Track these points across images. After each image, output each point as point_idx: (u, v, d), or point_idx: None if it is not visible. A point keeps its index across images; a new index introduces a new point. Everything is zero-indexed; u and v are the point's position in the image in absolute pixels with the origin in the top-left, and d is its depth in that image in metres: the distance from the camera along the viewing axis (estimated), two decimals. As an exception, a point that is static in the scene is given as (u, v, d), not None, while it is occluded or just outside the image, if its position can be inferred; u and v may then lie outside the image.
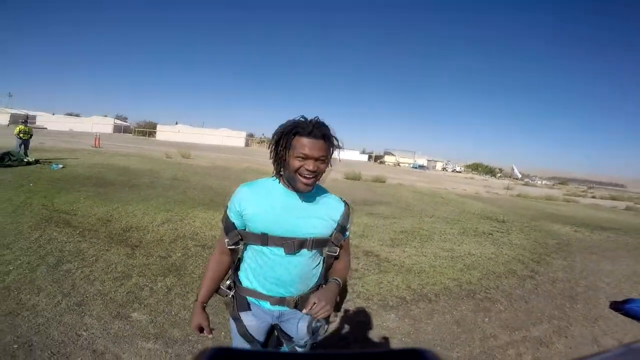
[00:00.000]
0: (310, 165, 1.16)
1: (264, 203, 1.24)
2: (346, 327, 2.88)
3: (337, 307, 1.33)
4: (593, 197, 31.50)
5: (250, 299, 1.32)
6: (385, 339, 2.76)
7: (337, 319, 2.95)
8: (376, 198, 10.85)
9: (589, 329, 3.31)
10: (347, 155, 78.51)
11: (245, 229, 1.28)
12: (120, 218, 5.13)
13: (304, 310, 1.15)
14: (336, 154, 1.27)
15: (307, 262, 1.28)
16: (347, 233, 1.37)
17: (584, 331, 3.26)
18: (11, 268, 3.18)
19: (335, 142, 1.24)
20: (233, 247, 1.30)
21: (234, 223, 1.28)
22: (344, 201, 1.36)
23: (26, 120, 11.68)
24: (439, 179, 30.45)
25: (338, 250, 1.33)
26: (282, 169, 1.25)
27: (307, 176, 1.18)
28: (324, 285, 1.33)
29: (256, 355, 0.35)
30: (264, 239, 1.23)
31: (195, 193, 7.94)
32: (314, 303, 1.15)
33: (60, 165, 9.97)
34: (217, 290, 1.38)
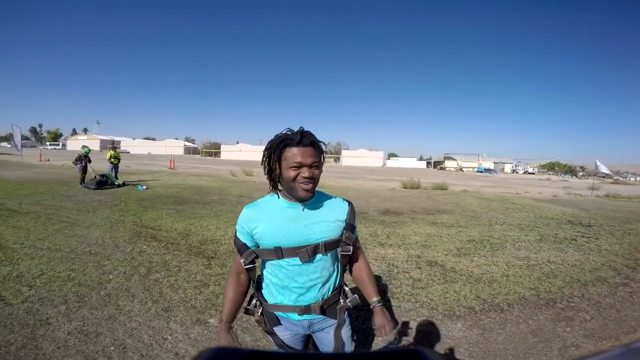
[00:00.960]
0: (305, 172, 1.21)
1: (270, 219, 1.28)
2: (408, 336, 2.84)
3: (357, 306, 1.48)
4: None
5: (277, 313, 1.36)
6: (451, 349, 2.66)
7: (399, 328, 2.93)
8: (438, 206, 10.42)
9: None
10: (403, 162, 76.72)
11: (258, 247, 1.32)
12: (197, 232, 5.65)
13: (380, 338, 1.26)
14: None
15: (325, 266, 1.33)
16: (356, 231, 1.42)
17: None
18: (111, 277, 3.67)
19: (322, 148, 1.29)
20: (250, 265, 1.33)
21: (245, 243, 1.32)
22: (346, 200, 1.42)
23: (114, 146, 13.17)
24: (508, 183, 28.19)
25: (351, 249, 1.37)
26: (279, 183, 1.30)
27: (306, 183, 1.22)
28: (376, 307, 1.41)
29: (256, 355, 0.35)
30: (279, 253, 1.27)
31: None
32: (383, 329, 1.34)
33: (145, 187, 11.27)
34: (245, 310, 1.42)
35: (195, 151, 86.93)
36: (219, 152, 70.14)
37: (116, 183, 11.27)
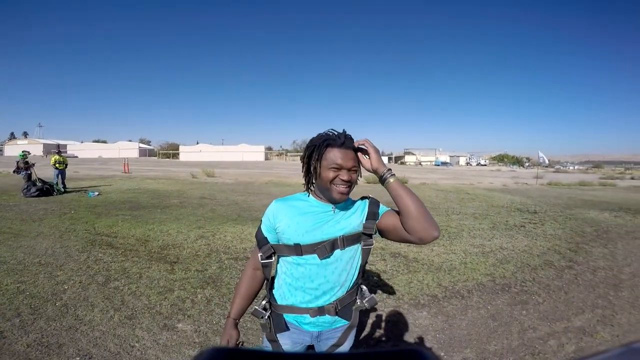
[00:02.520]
0: (344, 175, 1.19)
1: (296, 215, 1.25)
2: (378, 328, 2.93)
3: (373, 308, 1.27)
4: (632, 178, 29.80)
5: (288, 317, 1.30)
6: (419, 337, 2.79)
7: (369, 319, 3.02)
8: (400, 199, 10.77)
9: (637, 316, 3.19)
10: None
11: (278, 242, 1.28)
12: (157, 237, 5.41)
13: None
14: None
15: (344, 265, 1.26)
16: (383, 208, 1.31)
17: (632, 319, 3.15)
18: (66, 287, 3.45)
19: (363, 154, 1.27)
20: (266, 261, 1.30)
21: (266, 237, 1.29)
22: (368, 197, 1.37)
23: (59, 150, 12.19)
24: (463, 175, 29.78)
25: (373, 242, 1.32)
26: (313, 183, 1.28)
27: (343, 186, 1.20)
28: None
29: (256, 355, 0.35)
30: (298, 249, 1.23)
31: (223, 209, 8.21)
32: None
33: (96, 193, 10.57)
34: (252, 311, 1.36)
35: (151, 153, 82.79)
36: (178, 154, 67.37)
37: (58, 189, 10.46)
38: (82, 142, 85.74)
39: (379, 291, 3.57)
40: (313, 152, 1.23)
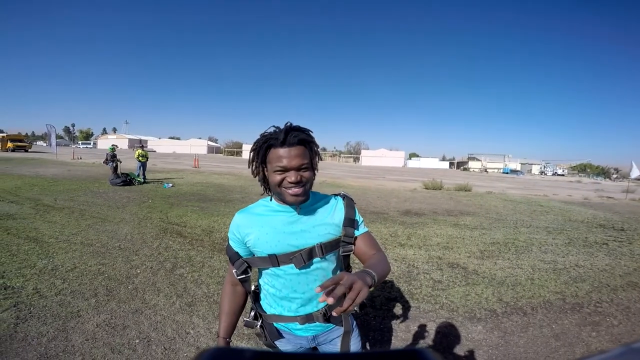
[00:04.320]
0: (292, 176, 1.07)
1: (263, 225, 1.17)
2: (426, 338, 2.83)
3: (362, 305, 1.18)
4: None
5: (278, 325, 1.25)
6: (470, 351, 2.63)
7: (417, 329, 2.91)
8: (461, 208, 10.21)
9: None
10: (425, 163, 75.37)
11: (252, 256, 1.21)
12: (220, 229, 5.80)
13: (324, 285, 0.83)
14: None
15: (326, 273, 1.19)
16: (362, 226, 1.25)
17: None
18: (139, 271, 3.83)
19: (314, 145, 1.14)
20: (242, 276, 1.23)
21: (237, 252, 1.22)
22: (341, 195, 1.28)
23: (142, 145, 13.70)
24: (536, 185, 27.19)
25: (353, 248, 1.21)
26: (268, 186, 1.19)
27: (293, 187, 1.09)
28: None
29: (256, 355, 0.35)
30: (274, 260, 1.16)
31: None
32: (344, 279, 0.83)
33: (171, 184, 11.68)
34: (244, 323, 1.32)
35: (218, 150, 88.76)
36: (241, 152, 71.35)
37: (139, 180, 11.72)
38: (159, 138, 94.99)
39: (432, 301, 3.43)
40: (256, 156, 1.14)
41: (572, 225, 8.11)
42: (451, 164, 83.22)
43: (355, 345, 1.28)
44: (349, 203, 1.25)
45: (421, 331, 2.89)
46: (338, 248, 1.20)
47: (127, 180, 11.12)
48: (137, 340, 2.54)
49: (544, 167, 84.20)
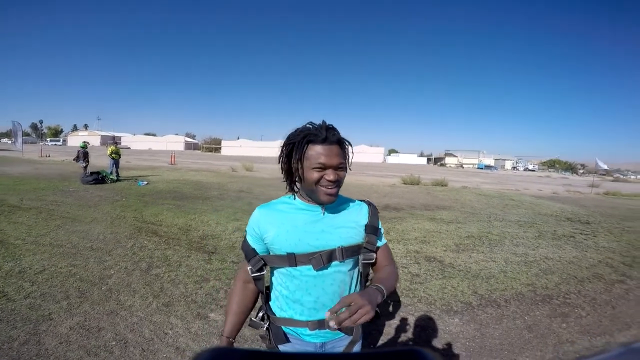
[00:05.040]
0: (330, 175, 1.06)
1: (284, 222, 1.13)
2: (406, 331, 2.88)
3: (375, 317, 0.97)
4: None
5: (286, 329, 1.19)
6: (448, 344, 2.70)
7: (397, 323, 2.97)
8: (438, 203, 10.46)
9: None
10: (404, 159, 76.70)
11: (268, 253, 1.17)
12: (197, 227, 5.69)
13: (333, 309, 0.87)
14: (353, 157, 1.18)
15: (343, 277, 1.15)
16: (382, 237, 1.24)
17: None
18: (112, 272, 3.70)
19: (349, 147, 1.15)
20: (257, 274, 1.18)
21: (254, 249, 1.18)
22: (366, 201, 1.26)
23: (115, 141, 13.22)
24: (508, 180, 28.20)
25: (374, 257, 1.19)
26: (296, 184, 1.15)
27: (330, 187, 1.07)
28: (371, 286, 1.12)
29: (256, 355, 0.35)
30: (292, 260, 1.11)
31: (259, 204, 8.39)
32: (349, 300, 0.87)
33: (145, 182, 11.33)
34: (249, 323, 1.26)
35: (195, 147, 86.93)
36: (220, 148, 70.17)
37: (112, 178, 11.32)
38: (134, 135, 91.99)
39: (410, 294, 3.50)
40: (292, 151, 1.09)
41: (542, 218, 8.46)
42: (429, 160, 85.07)
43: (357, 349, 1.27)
44: (374, 211, 1.23)
45: (401, 325, 2.94)
46: (359, 254, 1.17)
47: (99, 178, 10.70)
48: (114, 342, 2.48)
49: (516, 162, 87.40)
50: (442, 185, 16.23)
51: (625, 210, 11.28)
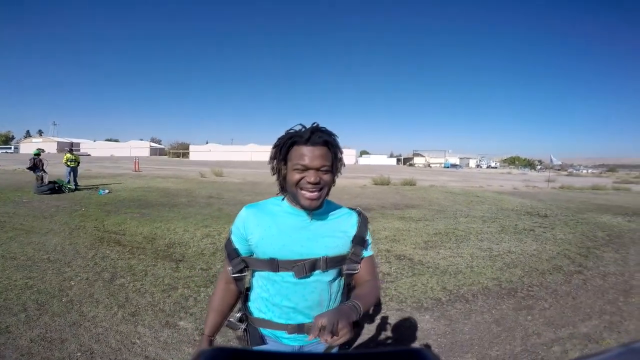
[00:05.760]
0: (311, 176, 1.03)
1: (270, 225, 1.11)
2: (379, 330, 2.91)
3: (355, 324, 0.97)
4: (647, 183, 29.05)
5: (264, 330, 1.17)
6: (420, 340, 2.76)
7: (370, 322, 3.00)
8: (407, 201, 10.72)
9: (646, 324, 3.11)
10: (375, 160, 78.08)
11: (251, 255, 1.15)
12: (164, 235, 5.47)
13: (310, 337, 0.88)
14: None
15: (325, 286, 1.13)
16: (370, 248, 1.21)
17: (640, 325, 3.07)
18: (73, 283, 3.50)
19: (339, 150, 1.11)
20: (238, 275, 1.16)
21: (237, 249, 1.15)
22: (356, 210, 1.23)
23: (72, 148, 12.41)
24: (473, 177, 29.43)
25: (358, 267, 1.16)
26: (286, 185, 1.12)
27: (310, 190, 1.04)
28: (344, 304, 1.07)
29: (256, 355, 0.35)
30: (274, 265, 1.10)
31: (229, 209, 8.25)
32: (321, 326, 0.85)
33: (107, 191, 10.76)
34: (226, 323, 1.24)
35: (162, 152, 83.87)
36: (188, 153, 68.09)
37: (69, 187, 10.67)
38: (94, 141, 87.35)
39: (382, 293, 3.55)
40: (278, 152, 1.10)
41: (504, 213, 8.89)
42: (398, 160, 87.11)
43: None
44: (364, 221, 1.20)
45: (374, 324, 2.97)
46: (343, 264, 1.15)
47: (55, 188, 10.04)
48: (79, 354, 2.39)
49: (480, 160, 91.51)
50: (411, 185, 16.67)
51: (579, 202, 12.09)
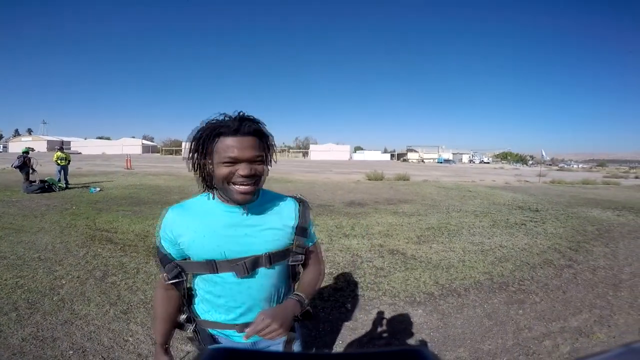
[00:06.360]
0: (244, 169, 0.94)
1: (201, 225, 1.02)
2: (373, 325, 2.92)
3: (306, 315, 1.09)
4: (636, 177, 29.53)
5: (213, 331, 1.13)
6: (413, 335, 2.78)
7: (364, 317, 3.01)
8: (400, 196, 10.76)
9: (635, 317, 3.14)
10: (369, 155, 78.25)
11: (186, 259, 1.06)
12: (156, 233, 5.42)
13: (248, 330, 0.92)
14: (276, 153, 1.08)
15: (270, 282, 1.08)
16: (314, 236, 1.18)
17: (630, 319, 3.10)
18: (64, 282, 3.48)
19: (270, 138, 1.03)
20: (175, 280, 1.06)
21: (169, 254, 1.06)
22: (297, 198, 1.15)
23: (62, 146, 12.18)
24: (466, 172, 29.65)
25: (302, 258, 1.12)
26: (212, 181, 1.02)
27: (243, 183, 0.96)
28: (289, 298, 1.09)
29: (256, 355, 0.35)
30: (212, 267, 1.02)
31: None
32: (261, 321, 0.91)
33: (98, 189, 10.63)
34: (176, 324, 1.18)
35: (154, 150, 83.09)
36: (180, 150, 67.58)
37: (60, 186, 10.52)
38: (85, 139, 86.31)
39: (375, 288, 3.57)
40: (199, 146, 0.98)
41: (496, 208, 8.97)
42: (392, 156, 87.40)
43: (297, 345, 1.22)
44: (305, 209, 1.13)
45: (367, 319, 2.98)
46: (287, 258, 1.09)
47: (45, 186, 9.88)
48: (71, 352, 2.38)
49: (473, 156, 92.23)
50: (404, 180, 16.75)
51: (569, 197, 12.23)
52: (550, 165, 56.30)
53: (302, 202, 1.14)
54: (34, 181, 10.02)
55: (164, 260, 1.06)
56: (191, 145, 1.00)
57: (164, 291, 1.13)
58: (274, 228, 1.06)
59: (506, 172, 33.52)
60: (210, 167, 0.98)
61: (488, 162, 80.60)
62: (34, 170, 10.71)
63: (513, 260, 4.61)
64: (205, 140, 0.96)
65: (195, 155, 0.99)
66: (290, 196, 1.16)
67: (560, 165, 69.63)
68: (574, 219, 7.71)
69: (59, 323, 2.73)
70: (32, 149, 11.99)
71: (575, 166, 70.30)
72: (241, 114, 0.98)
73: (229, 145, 0.94)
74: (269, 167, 1.04)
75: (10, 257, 4.16)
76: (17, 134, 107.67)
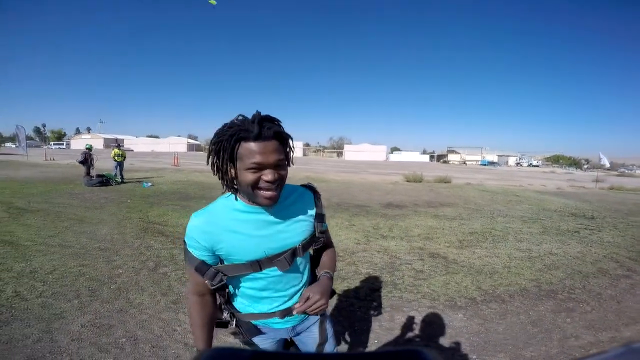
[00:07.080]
0: (269, 175, 0.95)
1: (233, 230, 1.04)
2: (411, 327, 2.91)
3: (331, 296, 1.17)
4: None
5: (255, 321, 1.19)
6: (452, 338, 2.73)
7: (402, 319, 3.00)
8: (441, 199, 10.46)
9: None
10: (406, 156, 76.56)
11: (224, 263, 1.08)
12: (202, 227, 5.73)
13: (297, 306, 1.05)
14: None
15: (304, 267, 1.19)
16: (325, 222, 1.24)
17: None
18: (121, 271, 3.77)
19: (290, 140, 1.03)
20: (219, 284, 1.08)
21: (204, 261, 1.06)
22: (308, 187, 1.21)
23: (118, 144, 13.23)
24: (512, 176, 28.08)
25: (323, 241, 1.23)
26: (234, 184, 1.03)
27: (270, 189, 0.97)
28: (322, 276, 1.20)
29: (256, 355, 0.35)
30: (256, 266, 1.07)
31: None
32: (308, 298, 1.04)
33: (150, 184, 11.42)
34: (216, 323, 1.22)
35: (198, 148, 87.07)
36: (222, 149, 70.13)
37: (116, 180, 11.42)
38: (137, 137, 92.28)
39: (415, 290, 3.53)
40: (221, 152, 0.97)
41: (546, 214, 8.45)
42: (431, 157, 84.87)
43: (330, 330, 1.31)
44: (318, 196, 1.20)
45: (404, 320, 2.97)
46: (313, 243, 1.18)
47: (103, 180, 10.80)
48: (124, 339, 2.53)
49: (520, 158, 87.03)
50: (445, 182, 16.21)
51: (631, 205, 11.22)
52: (608, 169, 51.73)
53: (314, 190, 1.21)
54: (93, 176, 10.96)
55: (202, 268, 1.06)
56: (210, 149, 1.01)
57: (198, 298, 1.12)
58: (300, 220, 1.13)
59: (558, 176, 31.30)
60: (233, 171, 0.98)
61: (537, 166, 75.72)
62: (93, 165, 11.73)
63: (563, 268, 4.36)
64: (226, 145, 0.96)
65: (217, 159, 1.00)
66: (302, 185, 1.22)
67: (620, 170, 63.67)
68: (635, 228, 7.09)
69: (115, 311, 2.92)
70: (92, 146, 13.12)
71: (638, 171, 64.02)
72: (259, 114, 0.96)
73: (253, 151, 0.93)
74: (290, 166, 1.06)
75: (75, 246, 4.58)
76: (77, 132, 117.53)
